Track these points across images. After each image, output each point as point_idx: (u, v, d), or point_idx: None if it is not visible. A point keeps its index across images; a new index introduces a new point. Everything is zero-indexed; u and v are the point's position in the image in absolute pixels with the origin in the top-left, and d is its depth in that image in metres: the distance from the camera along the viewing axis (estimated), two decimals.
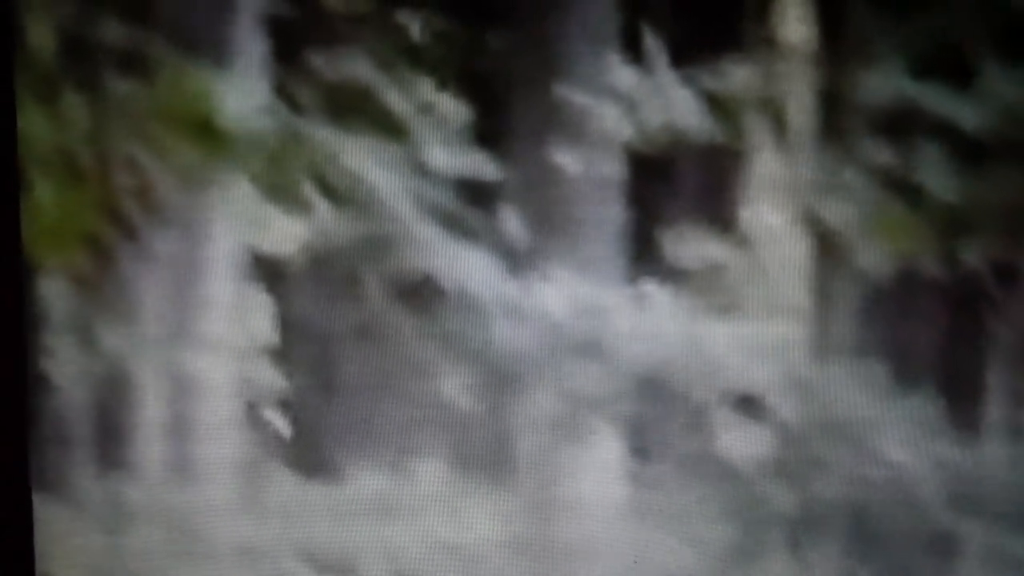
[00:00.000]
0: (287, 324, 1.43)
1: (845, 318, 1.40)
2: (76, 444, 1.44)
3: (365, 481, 1.43)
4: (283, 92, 1.40)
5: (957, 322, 1.40)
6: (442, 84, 1.40)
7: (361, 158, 1.40)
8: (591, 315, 1.41)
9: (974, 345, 1.40)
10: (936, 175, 1.38)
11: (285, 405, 1.44)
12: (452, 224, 1.41)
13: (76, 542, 1.44)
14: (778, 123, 1.39)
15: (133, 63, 1.40)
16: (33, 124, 1.40)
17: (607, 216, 1.40)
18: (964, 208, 1.39)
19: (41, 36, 1.40)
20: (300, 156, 1.41)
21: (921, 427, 1.40)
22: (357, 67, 1.40)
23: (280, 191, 1.41)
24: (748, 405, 1.42)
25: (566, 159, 1.40)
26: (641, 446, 1.42)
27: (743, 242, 1.40)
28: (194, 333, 1.43)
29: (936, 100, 1.38)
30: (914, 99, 1.38)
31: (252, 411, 1.44)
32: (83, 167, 1.41)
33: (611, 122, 1.39)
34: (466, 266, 1.41)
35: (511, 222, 1.41)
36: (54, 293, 1.42)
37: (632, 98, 1.39)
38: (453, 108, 1.40)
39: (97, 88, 1.40)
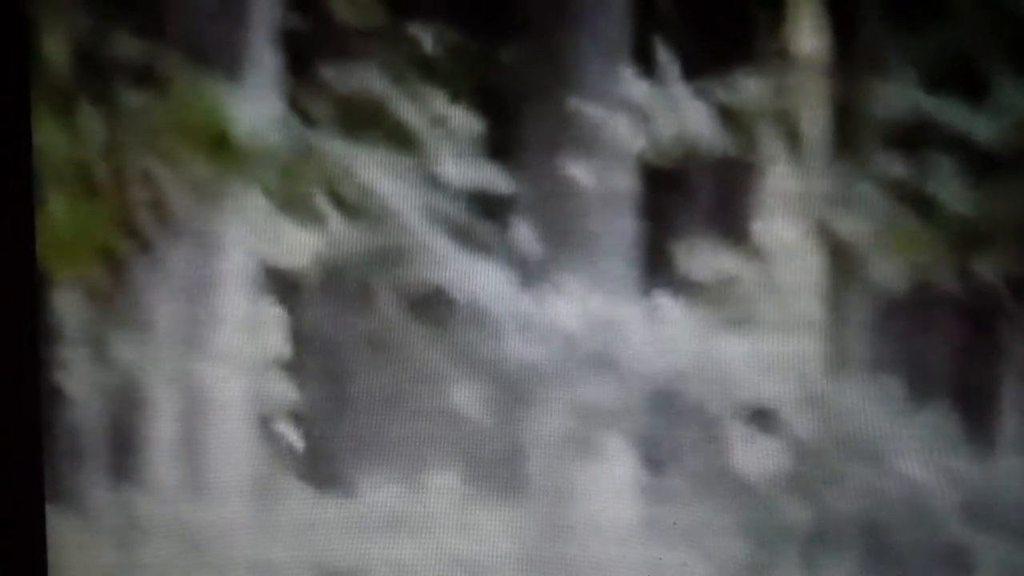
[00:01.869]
0: (300, 337, 1.43)
1: (859, 332, 1.40)
2: (89, 457, 1.44)
3: (378, 495, 1.43)
4: (296, 105, 1.41)
5: (972, 336, 1.39)
6: (455, 97, 1.40)
7: (374, 171, 1.41)
8: (604, 328, 1.40)
9: (989, 359, 1.39)
10: (950, 188, 1.38)
11: (298, 418, 1.44)
12: (464, 236, 1.41)
13: (89, 555, 1.44)
14: (791, 136, 1.39)
15: (147, 77, 1.41)
16: (48, 138, 1.40)
17: (620, 229, 1.40)
18: (978, 221, 1.38)
19: (56, 50, 1.41)
20: (313, 169, 1.41)
21: (936, 441, 1.39)
22: (370, 80, 1.40)
23: (293, 204, 1.41)
24: (762, 419, 1.41)
25: (579, 171, 1.40)
26: (654, 460, 1.42)
27: (756, 255, 1.40)
28: (207, 346, 1.43)
29: (950, 113, 1.37)
30: (928, 112, 1.37)
31: (265, 424, 1.44)
32: (97, 180, 1.41)
33: (624, 134, 1.39)
34: (479, 279, 1.41)
35: (523, 234, 1.41)
36: (68, 306, 1.42)
37: (645, 111, 1.39)
38: (466, 121, 1.40)
39: (111, 102, 1.41)
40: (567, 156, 1.40)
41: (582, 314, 1.41)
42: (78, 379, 1.43)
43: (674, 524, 1.42)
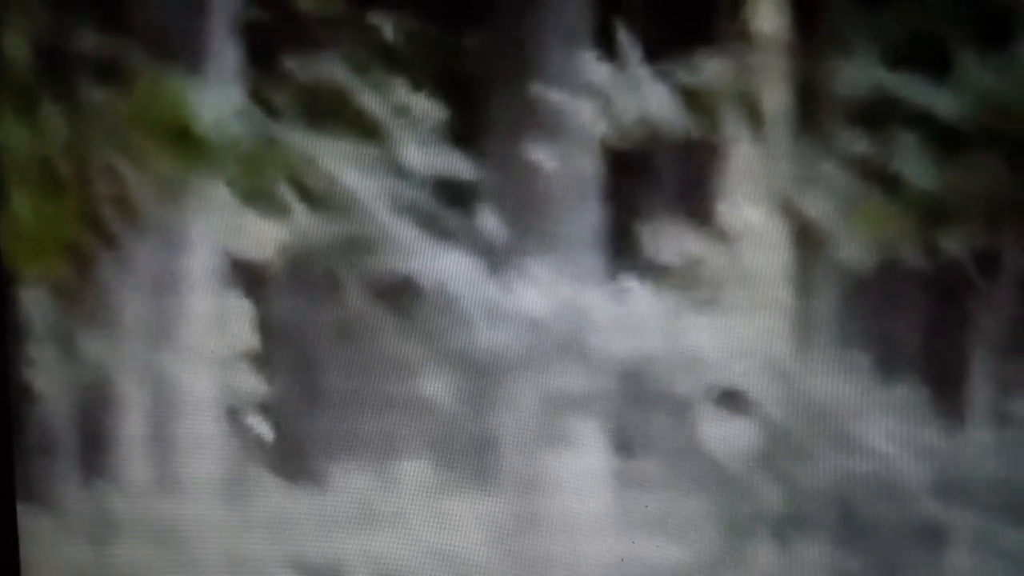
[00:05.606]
0: (267, 328, 1.43)
1: (827, 309, 1.40)
2: (60, 454, 1.44)
3: (349, 485, 1.43)
4: (258, 96, 1.40)
5: (939, 311, 1.40)
6: (417, 85, 1.40)
7: (338, 160, 1.40)
8: (572, 312, 1.41)
9: (957, 333, 1.40)
10: (914, 164, 1.38)
11: (267, 410, 1.44)
12: (430, 224, 1.41)
13: (62, 552, 1.44)
14: (754, 116, 1.39)
15: (109, 72, 1.40)
16: (11, 135, 1.40)
17: (585, 212, 1.40)
18: (943, 197, 1.38)
19: (17, 47, 1.40)
20: (277, 160, 1.41)
21: (905, 416, 1.40)
22: (332, 70, 1.40)
23: (257, 195, 1.41)
24: (731, 399, 1.41)
25: (543, 156, 1.40)
26: (625, 443, 1.42)
27: (722, 236, 1.40)
28: (175, 340, 1.43)
29: (912, 89, 1.37)
30: (891, 89, 1.37)
31: (234, 417, 1.44)
32: (61, 177, 1.41)
33: (587, 118, 1.39)
34: (445, 266, 1.41)
35: (489, 221, 1.41)
36: (35, 303, 1.42)
37: (607, 94, 1.39)
38: (428, 108, 1.40)
39: (74, 98, 1.41)
40: (531, 141, 1.40)
41: (549, 299, 1.41)
42: (47, 376, 1.43)
43: (646, 507, 1.42)
